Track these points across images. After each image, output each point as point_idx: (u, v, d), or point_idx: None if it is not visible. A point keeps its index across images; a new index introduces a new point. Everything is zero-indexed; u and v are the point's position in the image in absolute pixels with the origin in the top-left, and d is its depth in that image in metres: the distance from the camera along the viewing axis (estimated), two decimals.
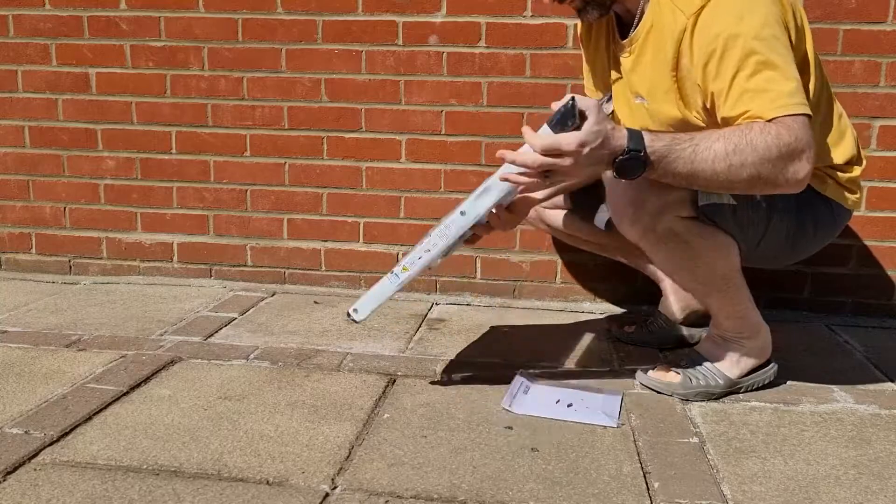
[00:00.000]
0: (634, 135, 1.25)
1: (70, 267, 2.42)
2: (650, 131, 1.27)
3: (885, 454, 1.31)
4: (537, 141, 1.26)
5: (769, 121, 1.25)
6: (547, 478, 1.21)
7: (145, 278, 2.37)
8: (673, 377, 1.54)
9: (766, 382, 1.56)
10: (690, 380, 1.52)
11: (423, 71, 2.16)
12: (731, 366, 1.53)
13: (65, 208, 2.39)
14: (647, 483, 1.20)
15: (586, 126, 1.23)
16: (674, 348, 1.79)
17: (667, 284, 1.84)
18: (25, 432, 1.32)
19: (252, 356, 1.72)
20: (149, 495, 1.13)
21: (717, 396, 1.52)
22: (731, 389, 1.53)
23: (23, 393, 1.49)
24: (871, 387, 1.61)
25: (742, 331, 1.52)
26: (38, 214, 2.41)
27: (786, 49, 1.29)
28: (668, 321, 1.83)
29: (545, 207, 1.80)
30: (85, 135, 2.34)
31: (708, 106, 1.35)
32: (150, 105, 2.29)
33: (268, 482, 1.18)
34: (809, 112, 1.27)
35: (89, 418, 1.38)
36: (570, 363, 1.72)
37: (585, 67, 1.69)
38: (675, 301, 1.82)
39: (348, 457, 1.26)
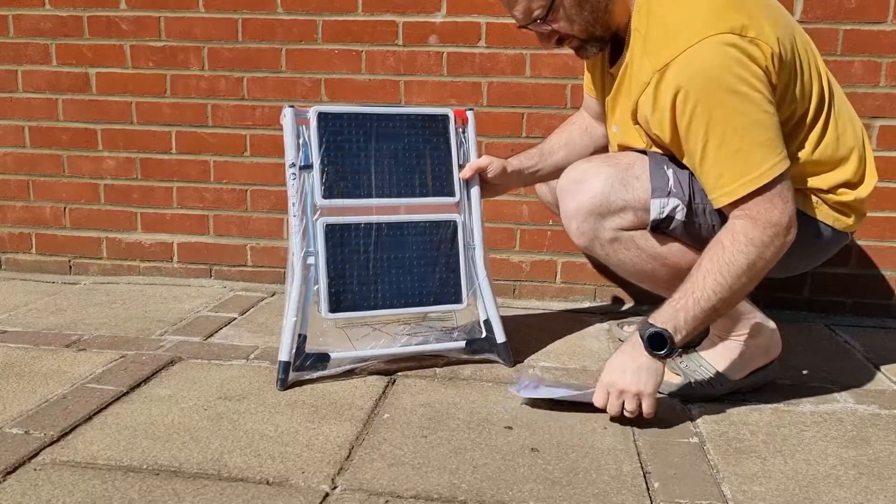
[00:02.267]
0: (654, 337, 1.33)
1: (70, 267, 2.42)
2: (659, 318, 1.33)
3: (885, 454, 1.31)
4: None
5: (735, 208, 1.30)
6: (547, 478, 1.21)
7: (145, 278, 2.37)
8: (673, 378, 1.54)
9: (765, 383, 1.56)
10: (691, 382, 1.52)
11: (423, 71, 2.16)
12: (732, 368, 1.52)
13: (65, 208, 2.39)
14: (647, 483, 1.20)
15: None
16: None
17: None
18: (25, 432, 1.32)
19: (252, 356, 1.72)
20: (149, 495, 1.13)
21: (717, 398, 1.51)
22: (732, 391, 1.53)
23: (23, 393, 1.49)
24: (871, 387, 1.61)
25: (739, 330, 1.52)
26: (38, 214, 2.41)
27: (755, 110, 1.27)
28: None
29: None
30: (85, 135, 2.34)
31: (671, 149, 1.38)
32: (150, 105, 2.30)
33: (268, 482, 1.18)
34: (779, 171, 1.28)
35: (89, 418, 1.38)
36: (571, 363, 1.72)
37: (586, 72, 1.69)
38: None
39: (348, 457, 1.26)
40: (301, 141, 1.57)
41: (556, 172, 1.72)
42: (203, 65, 2.25)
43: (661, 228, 1.42)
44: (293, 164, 1.55)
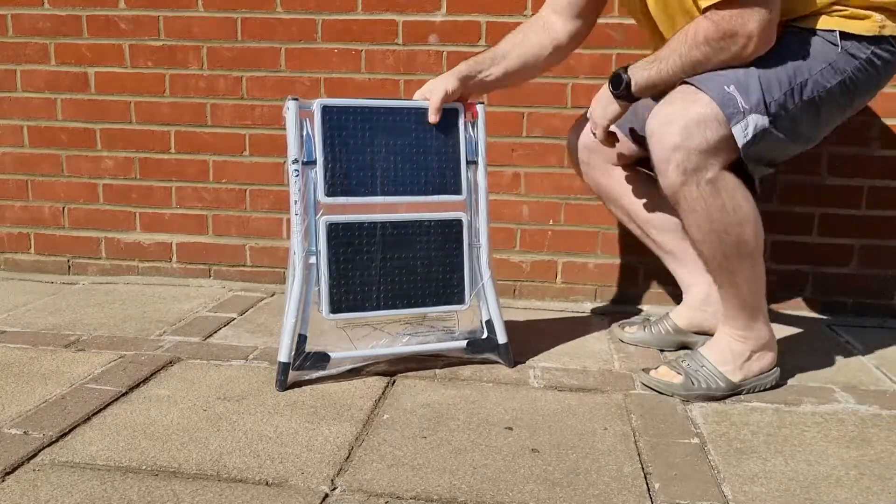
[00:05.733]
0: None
1: (69, 267, 2.42)
2: (631, 67, 1.48)
3: (886, 455, 1.31)
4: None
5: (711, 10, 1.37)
6: (547, 479, 1.20)
7: (144, 278, 2.37)
8: (674, 378, 1.53)
9: (767, 386, 1.55)
10: (692, 381, 1.52)
11: (423, 70, 2.16)
12: (734, 369, 1.52)
13: (63, 208, 2.39)
14: (647, 484, 1.20)
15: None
16: (674, 351, 1.79)
17: (690, 296, 1.80)
18: (24, 433, 1.32)
19: (251, 356, 1.72)
20: (148, 496, 1.12)
21: (718, 398, 1.51)
22: (733, 392, 1.52)
23: (21, 393, 1.49)
24: (871, 387, 1.61)
25: (747, 331, 1.51)
26: (37, 214, 2.40)
27: None
28: (674, 327, 1.82)
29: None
30: (84, 134, 2.34)
31: None
32: (149, 104, 2.29)
33: (267, 483, 1.17)
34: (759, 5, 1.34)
35: (88, 419, 1.38)
36: (571, 364, 1.71)
37: None
38: (689, 314, 1.80)
39: (348, 458, 1.26)
40: (304, 135, 1.52)
41: (505, 78, 1.70)
42: (202, 64, 2.25)
43: (756, 154, 1.41)
44: (296, 160, 1.50)
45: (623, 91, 1.48)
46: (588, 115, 1.61)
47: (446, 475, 1.21)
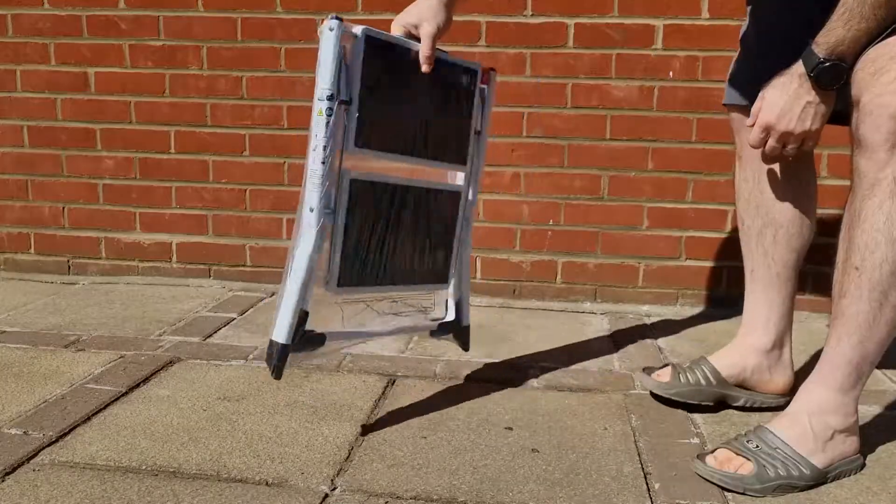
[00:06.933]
0: (805, 57, 1.18)
1: (69, 267, 2.42)
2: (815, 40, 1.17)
3: (886, 455, 1.31)
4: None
5: None
6: (547, 479, 1.20)
7: (144, 278, 2.37)
8: (744, 467, 1.20)
9: (854, 472, 1.25)
10: (767, 469, 1.19)
11: None
12: (815, 450, 1.21)
13: (63, 208, 2.39)
14: (647, 484, 1.20)
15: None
16: (714, 409, 1.48)
17: (752, 338, 1.51)
18: (24, 433, 1.32)
19: (251, 356, 1.72)
20: (147, 496, 1.12)
21: (801, 489, 1.20)
22: (818, 482, 1.21)
23: (21, 393, 1.49)
24: (872, 387, 1.60)
25: (840, 398, 1.22)
26: (37, 214, 2.40)
27: None
28: (715, 375, 1.48)
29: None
30: (84, 134, 2.34)
31: None
32: (148, 105, 2.29)
33: (267, 483, 1.17)
34: None
35: (88, 419, 1.38)
36: (571, 363, 1.71)
37: None
38: (740, 360, 1.49)
39: (348, 457, 1.26)
40: (339, 68, 1.18)
41: None
42: (202, 64, 2.25)
43: None
44: (332, 96, 1.17)
45: (845, 79, 1.17)
46: (786, 136, 1.26)
47: (446, 475, 1.21)
